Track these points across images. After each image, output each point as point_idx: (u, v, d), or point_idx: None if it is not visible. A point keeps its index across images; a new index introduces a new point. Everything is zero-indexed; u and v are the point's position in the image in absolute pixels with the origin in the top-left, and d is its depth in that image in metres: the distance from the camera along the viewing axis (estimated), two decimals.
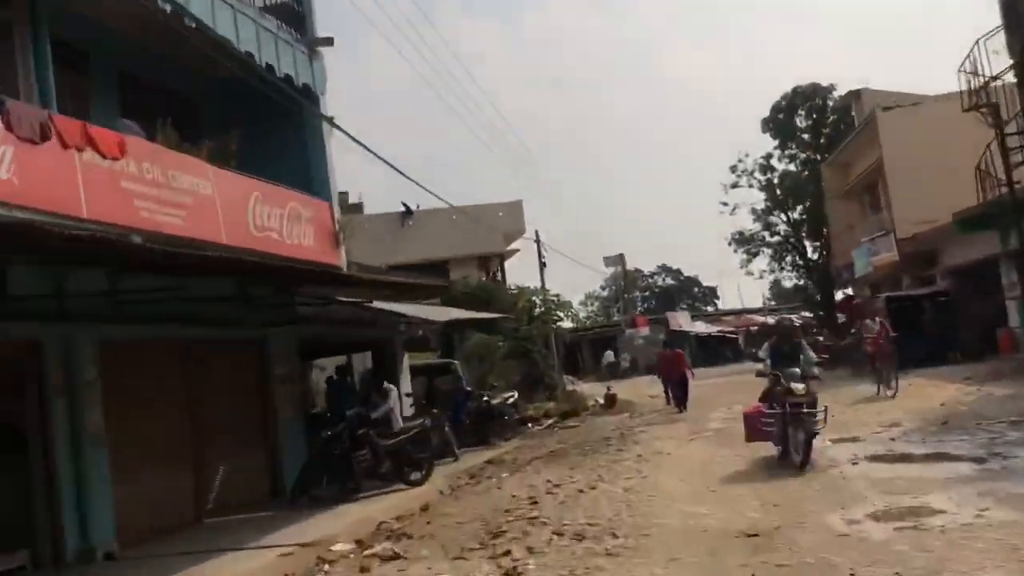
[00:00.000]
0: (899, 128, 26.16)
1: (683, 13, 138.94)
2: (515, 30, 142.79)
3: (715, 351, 58.03)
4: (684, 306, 70.36)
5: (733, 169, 47.50)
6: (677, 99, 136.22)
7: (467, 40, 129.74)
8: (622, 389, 30.53)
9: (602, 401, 25.02)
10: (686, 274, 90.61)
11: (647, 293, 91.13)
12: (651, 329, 53.25)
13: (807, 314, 50.70)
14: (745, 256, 47.32)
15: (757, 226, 47.26)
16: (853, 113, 37.87)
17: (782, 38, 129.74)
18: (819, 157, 44.55)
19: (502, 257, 32.59)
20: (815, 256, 46.80)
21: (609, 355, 50.04)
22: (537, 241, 31.48)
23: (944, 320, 23.92)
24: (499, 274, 32.43)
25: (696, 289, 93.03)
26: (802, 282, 47.41)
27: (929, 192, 25.71)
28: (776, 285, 47.08)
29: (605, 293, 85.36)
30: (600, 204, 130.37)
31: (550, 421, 21.82)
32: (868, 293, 34.57)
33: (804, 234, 46.31)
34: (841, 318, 36.75)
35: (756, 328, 62.50)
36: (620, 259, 54.08)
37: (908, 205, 25.80)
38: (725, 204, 47.74)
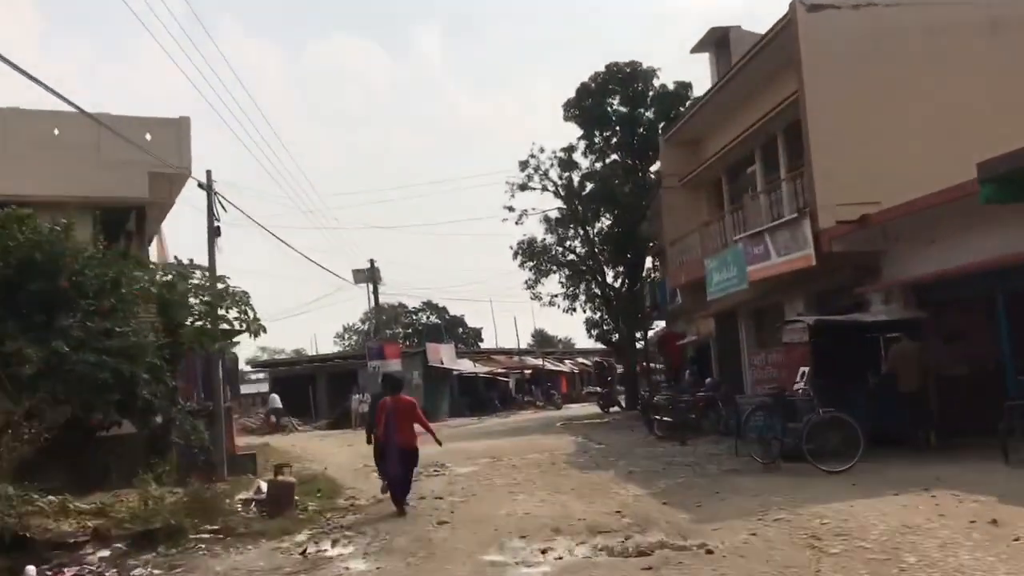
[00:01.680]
0: (833, 44, 15.75)
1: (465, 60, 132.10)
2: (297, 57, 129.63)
3: (481, 396, 46.42)
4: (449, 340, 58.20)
5: (524, 165, 36.50)
6: (456, 141, 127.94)
7: (248, 62, 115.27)
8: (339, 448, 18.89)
9: (261, 491, 12.08)
10: (453, 313, 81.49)
11: (410, 330, 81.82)
12: (404, 363, 40.61)
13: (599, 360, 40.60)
14: (533, 275, 36.17)
15: (551, 238, 36.44)
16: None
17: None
18: (634, 162, 34.61)
19: (142, 210, 18.66)
20: (616, 282, 36.74)
21: (357, 399, 37.06)
22: (208, 188, 17.97)
23: (903, 370, 13.45)
24: (138, 238, 18.54)
25: (461, 329, 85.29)
26: (598, 315, 36.99)
27: (874, 155, 15.38)
28: (594, 323, 35.87)
29: (365, 327, 74.06)
30: (372, 236, 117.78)
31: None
32: (703, 329, 24.21)
33: (604, 254, 36.08)
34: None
35: (530, 372, 51.66)
36: (372, 272, 41.21)
37: (838, 177, 15.35)
38: (511, 209, 36.54)
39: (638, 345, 35.15)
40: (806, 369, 13.55)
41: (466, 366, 46.55)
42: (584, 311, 37.22)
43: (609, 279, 36.88)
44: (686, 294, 23.65)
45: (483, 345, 75.83)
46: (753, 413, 13.67)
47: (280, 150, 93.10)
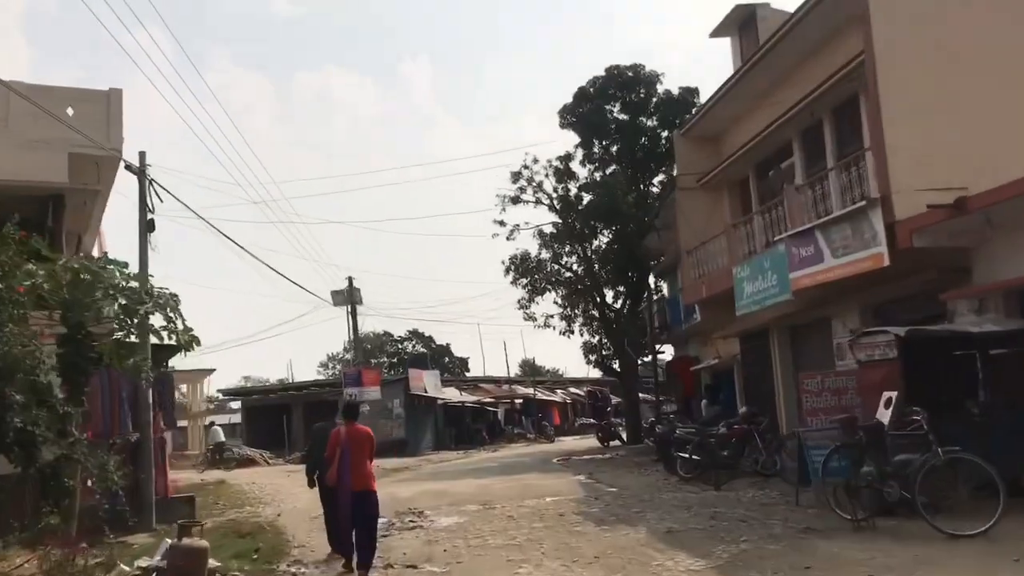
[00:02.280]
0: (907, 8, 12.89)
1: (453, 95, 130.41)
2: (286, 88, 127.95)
3: (468, 428, 43.05)
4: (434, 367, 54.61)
5: (516, 176, 33.44)
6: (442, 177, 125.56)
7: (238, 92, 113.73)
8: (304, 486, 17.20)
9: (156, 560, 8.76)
10: (439, 342, 78.79)
11: (395, 359, 79.18)
12: (384, 391, 37.26)
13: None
14: (527, 293, 32.94)
15: (546, 254, 33.31)
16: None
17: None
18: (636, 173, 31.66)
19: (59, 198, 15.42)
20: (617, 303, 33.66)
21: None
22: (140, 172, 14.81)
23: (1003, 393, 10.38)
24: (55, 231, 15.26)
25: (447, 359, 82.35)
26: (596, 339, 33.80)
27: (958, 130, 12.43)
28: (592, 347, 32.72)
29: (350, 355, 71.37)
30: (354, 257, 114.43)
31: None
32: (723, 351, 21.15)
33: (604, 273, 33.03)
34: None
35: (520, 402, 48.32)
36: (351, 292, 37.91)
37: (915, 157, 12.40)
38: (501, 224, 33.41)
39: (641, 371, 31.88)
40: (893, 395, 10.41)
41: (452, 395, 43.20)
42: (581, 334, 34.05)
43: (609, 299, 33.81)
44: (706, 310, 20.55)
45: (470, 375, 72.64)
46: (834, 453, 10.44)
47: (261, 171, 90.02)
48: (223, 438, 34.12)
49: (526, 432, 45.91)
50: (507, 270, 32.60)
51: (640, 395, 65.46)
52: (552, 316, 33.31)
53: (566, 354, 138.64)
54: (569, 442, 44.09)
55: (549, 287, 33.62)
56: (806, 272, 14.69)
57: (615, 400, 62.05)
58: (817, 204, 15.17)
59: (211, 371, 74.23)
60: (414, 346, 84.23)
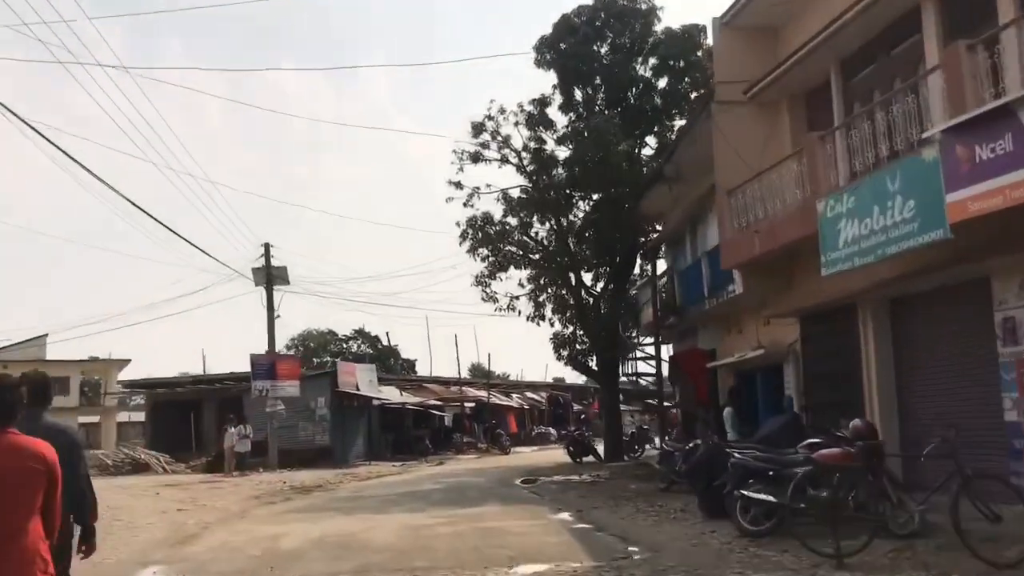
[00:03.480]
0: None
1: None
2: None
3: (408, 435, 36.24)
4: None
5: (478, 129, 26.93)
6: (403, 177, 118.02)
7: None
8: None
9: None
10: (386, 343, 71.39)
11: (339, 359, 71.64)
12: (306, 387, 30.36)
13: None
14: (486, 267, 26.33)
15: (513, 221, 26.79)
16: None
17: None
18: (630, 129, 25.30)
19: None
20: (598, 286, 27.36)
21: (233, 433, 26.78)
22: None
23: None
24: None
25: (393, 360, 75.45)
26: (569, 330, 27.31)
27: None
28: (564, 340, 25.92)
29: (291, 353, 64.28)
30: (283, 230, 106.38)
31: None
32: (769, 338, 15.07)
33: (583, 248, 26.73)
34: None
35: (473, 405, 41.68)
36: (267, 261, 30.75)
37: None
38: (458, 186, 26.84)
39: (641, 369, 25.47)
40: None
41: (391, 395, 36.41)
42: (551, 324, 27.58)
43: (588, 281, 27.47)
44: (754, 277, 14.22)
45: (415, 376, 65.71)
46: None
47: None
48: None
49: (477, 441, 39.33)
50: (463, 235, 25.97)
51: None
52: (517, 298, 26.77)
53: (524, 355, 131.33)
54: (527, 454, 37.61)
55: (515, 263, 27.11)
56: (985, 188, 8.41)
57: (577, 407, 55.87)
58: (999, 73, 8.91)
59: (126, 361, 66.83)
60: (359, 346, 77.45)
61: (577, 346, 27.47)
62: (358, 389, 32.28)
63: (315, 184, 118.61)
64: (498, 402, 44.36)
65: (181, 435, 35.04)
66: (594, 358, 27.40)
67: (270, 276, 29.14)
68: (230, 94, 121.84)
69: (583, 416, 35.63)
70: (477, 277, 26.29)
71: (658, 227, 25.42)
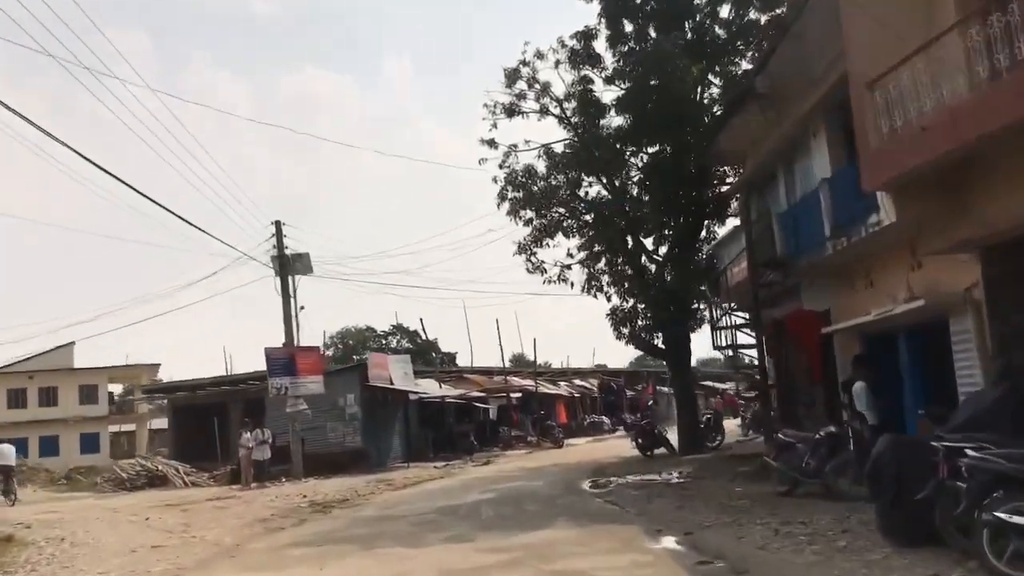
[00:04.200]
0: None
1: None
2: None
3: (450, 431, 32.57)
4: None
5: (513, 76, 23.20)
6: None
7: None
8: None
9: None
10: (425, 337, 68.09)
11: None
12: (331, 383, 26.89)
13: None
14: (531, 231, 22.59)
15: (559, 178, 22.99)
16: None
17: None
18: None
19: None
20: (662, 248, 23.47)
21: (248, 439, 23.49)
22: None
23: None
24: None
25: (434, 354, 72.08)
26: (629, 304, 23.41)
27: None
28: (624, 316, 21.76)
29: (330, 352, 62.36)
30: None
31: None
32: (912, 291, 11.00)
33: (641, 207, 22.84)
34: None
35: (519, 395, 37.96)
36: (279, 239, 27.22)
37: None
38: (491, 145, 23.13)
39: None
40: None
41: (429, 388, 32.84)
42: (608, 297, 23.71)
43: (648, 245, 23.57)
44: (915, 196, 10.23)
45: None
46: None
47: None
48: (12, 460, 23.52)
49: (526, 434, 35.62)
50: (502, 195, 22.22)
51: (661, 388, 55.33)
52: (569, 267, 22.97)
53: (569, 341, 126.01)
54: (582, 446, 33.86)
55: (563, 229, 23.27)
56: None
57: (630, 393, 51.87)
58: None
59: (155, 366, 64.07)
60: (398, 341, 74.41)
61: (639, 321, 23.60)
62: (391, 383, 28.73)
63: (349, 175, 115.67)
64: (546, 391, 40.61)
65: (205, 442, 31.88)
66: (660, 335, 23.55)
67: (282, 257, 25.63)
68: (255, 99, 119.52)
69: (651, 402, 31.61)
70: (520, 244, 22.55)
71: (728, 182, 21.57)
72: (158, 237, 75.03)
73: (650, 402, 31.61)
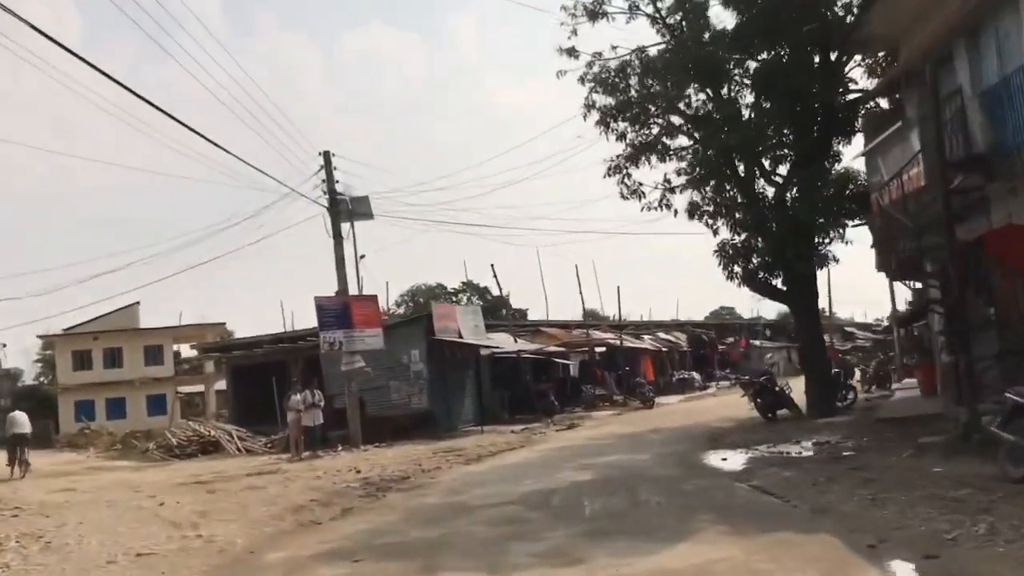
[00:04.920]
0: None
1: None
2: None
3: (527, 390, 29.07)
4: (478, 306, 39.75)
5: None
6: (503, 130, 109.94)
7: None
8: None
9: None
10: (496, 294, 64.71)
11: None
12: (392, 337, 23.68)
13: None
14: (624, 145, 18.73)
15: (655, 87, 18.99)
16: None
17: None
18: None
19: None
20: (781, 168, 19.40)
21: (297, 401, 20.51)
22: None
23: None
24: None
25: (504, 311, 68.73)
26: (741, 239, 19.40)
27: None
28: (736, 251, 17.76)
29: (401, 310, 60.04)
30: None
31: None
32: None
33: (756, 119, 18.71)
34: None
35: (603, 350, 34.27)
36: (328, 172, 23.65)
37: None
38: (572, 54, 19.17)
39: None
40: None
41: (503, 343, 29.40)
42: (715, 230, 19.74)
43: (766, 165, 19.50)
44: None
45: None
46: None
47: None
48: (26, 429, 20.78)
49: (611, 393, 31.98)
50: (589, 103, 18.33)
51: (753, 341, 50.82)
52: (673, 189, 19.06)
53: (651, 292, 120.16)
54: (674, 406, 30.12)
55: (658, 151, 19.31)
56: None
57: (720, 348, 47.64)
58: None
59: (220, 325, 62.18)
60: (469, 298, 71.46)
61: (755, 258, 19.59)
62: (460, 337, 25.35)
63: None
64: (630, 345, 36.81)
65: (264, 404, 29.19)
66: (780, 275, 19.54)
67: (332, 192, 22.30)
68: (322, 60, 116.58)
69: (772, 360, 27.64)
70: (613, 164, 18.71)
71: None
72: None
73: (768, 357, 27.55)
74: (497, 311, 55.52)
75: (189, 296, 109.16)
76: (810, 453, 12.70)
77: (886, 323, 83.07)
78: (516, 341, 29.52)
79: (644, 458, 13.83)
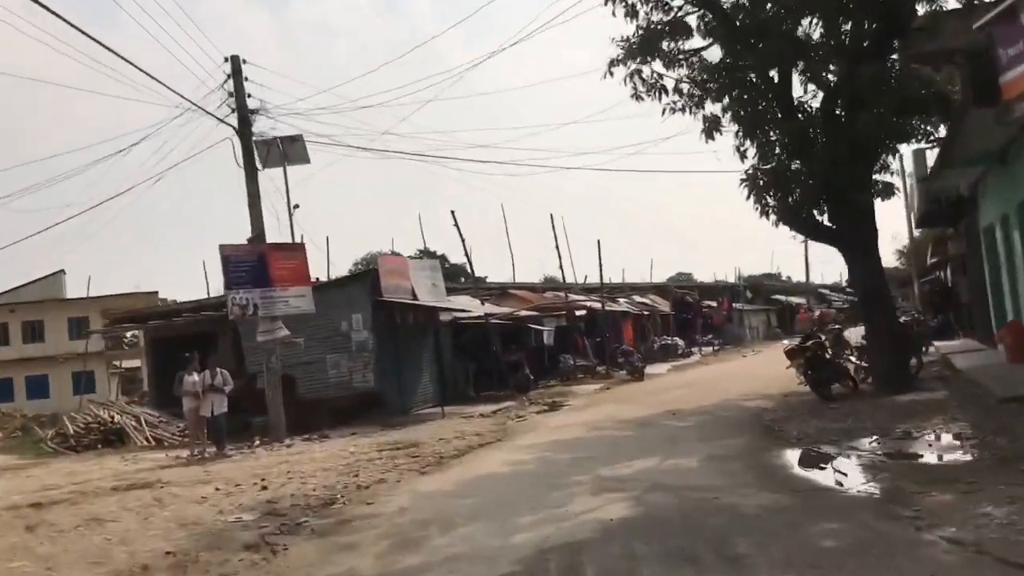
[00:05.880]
0: None
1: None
2: None
3: (495, 361, 24.24)
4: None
5: None
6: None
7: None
8: None
9: None
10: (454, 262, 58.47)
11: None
12: (327, 300, 18.82)
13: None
14: (638, 30, 13.87)
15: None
16: None
17: None
18: None
19: None
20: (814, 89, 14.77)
21: (192, 383, 15.36)
22: None
23: None
24: None
25: (463, 279, 63.09)
26: (774, 162, 14.78)
27: None
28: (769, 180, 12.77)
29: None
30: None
31: None
32: None
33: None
34: None
35: (584, 313, 29.56)
36: (238, 86, 18.57)
37: None
38: None
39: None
40: None
41: (467, 306, 24.55)
42: (741, 155, 15.08)
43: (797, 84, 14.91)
44: None
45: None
46: None
47: None
48: None
49: (593, 364, 27.41)
50: None
51: (735, 304, 46.48)
52: (708, 83, 14.36)
53: (627, 252, 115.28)
54: (668, 377, 25.75)
55: (677, 50, 14.55)
56: None
57: (704, 311, 43.28)
58: None
59: (153, 294, 56.14)
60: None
61: (795, 188, 14.97)
62: (415, 298, 20.47)
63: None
64: (613, 308, 32.24)
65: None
66: (827, 209, 15.01)
67: (242, 107, 17.14)
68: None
69: (834, 324, 23.26)
70: (624, 47, 13.84)
71: None
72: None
73: (820, 315, 23.10)
74: (455, 277, 50.06)
75: (129, 266, 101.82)
76: (964, 455, 8.16)
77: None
78: (483, 304, 24.67)
79: (690, 465, 9.20)
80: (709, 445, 10.47)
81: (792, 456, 9.26)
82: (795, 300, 60.31)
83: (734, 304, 47.04)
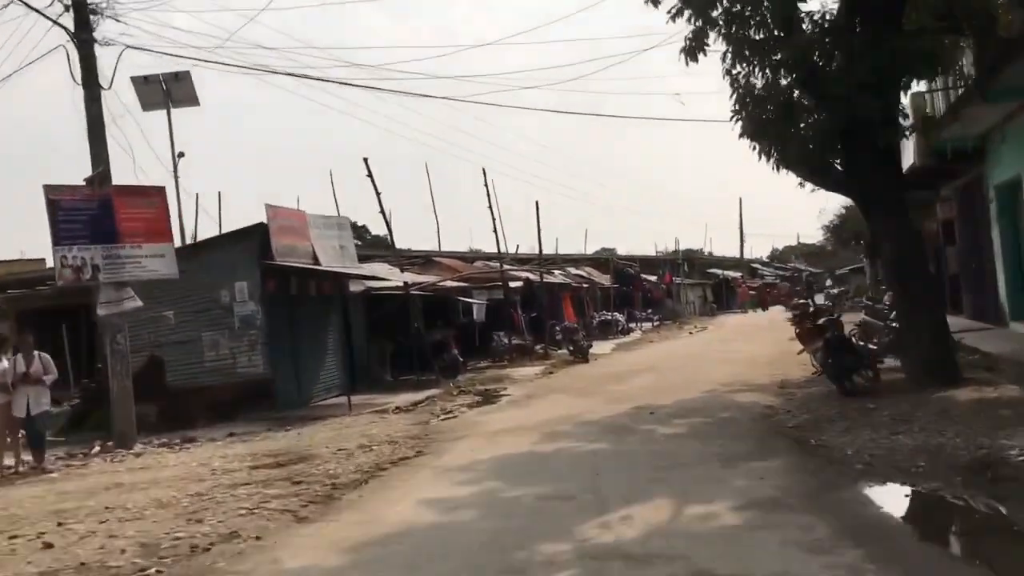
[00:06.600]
0: None
1: None
2: None
3: (419, 341, 20.42)
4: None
5: None
6: None
7: None
8: None
9: None
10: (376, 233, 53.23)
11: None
12: (208, 265, 14.82)
13: None
14: None
15: None
16: None
17: None
18: None
19: None
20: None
21: (9, 368, 11.18)
22: None
23: None
24: None
25: (385, 251, 57.91)
26: (774, 91, 11.46)
27: None
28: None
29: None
30: None
31: None
32: None
33: None
34: None
35: (520, 285, 25.95)
36: None
37: None
38: None
39: None
40: None
41: (382, 273, 20.70)
42: (733, 80, 11.68)
43: None
44: None
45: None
46: None
47: None
48: None
49: (530, 343, 23.93)
50: None
51: (675, 277, 43.66)
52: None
53: (557, 222, 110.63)
54: (614, 357, 22.63)
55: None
56: None
57: (645, 284, 40.27)
58: None
59: (39, 260, 50.38)
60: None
61: (802, 123, 11.66)
62: (317, 262, 16.54)
63: None
64: (552, 280, 28.80)
65: (58, 363, 19.43)
66: (843, 155, 11.75)
67: (81, 4, 12.84)
68: None
69: (843, 290, 20.16)
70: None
71: None
72: None
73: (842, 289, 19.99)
74: (380, 248, 45.45)
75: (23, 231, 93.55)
76: None
77: (794, 261, 79.00)
78: (403, 273, 20.83)
79: (728, 519, 5.71)
80: (733, 472, 7.05)
81: (892, 501, 5.88)
82: (730, 274, 58.17)
83: (675, 278, 44.31)
